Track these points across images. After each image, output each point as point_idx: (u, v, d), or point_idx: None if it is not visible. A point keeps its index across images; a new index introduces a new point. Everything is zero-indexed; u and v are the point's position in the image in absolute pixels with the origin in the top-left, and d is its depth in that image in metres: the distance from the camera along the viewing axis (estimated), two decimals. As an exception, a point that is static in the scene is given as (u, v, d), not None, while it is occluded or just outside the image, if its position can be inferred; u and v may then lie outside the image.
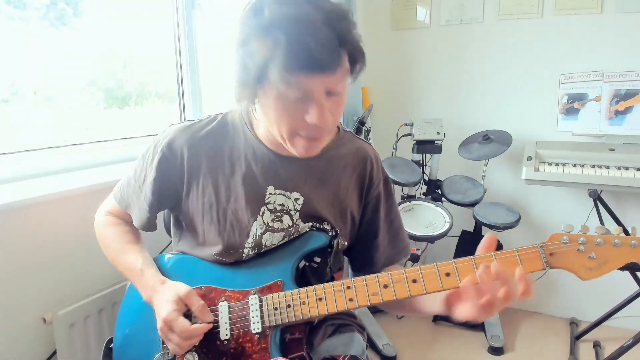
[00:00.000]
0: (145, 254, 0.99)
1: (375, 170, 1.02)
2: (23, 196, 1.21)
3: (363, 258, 1.05)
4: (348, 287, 0.83)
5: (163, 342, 0.89)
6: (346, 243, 1.01)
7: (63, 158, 1.46)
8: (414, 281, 0.80)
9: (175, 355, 0.88)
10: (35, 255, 1.28)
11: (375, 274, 0.83)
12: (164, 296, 0.88)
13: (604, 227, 0.74)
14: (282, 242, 0.94)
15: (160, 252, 1.37)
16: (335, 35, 0.73)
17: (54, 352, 1.31)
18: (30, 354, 1.29)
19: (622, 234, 0.74)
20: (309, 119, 0.78)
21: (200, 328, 0.85)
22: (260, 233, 0.93)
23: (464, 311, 0.77)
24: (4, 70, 1.38)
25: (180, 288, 0.88)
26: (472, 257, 0.78)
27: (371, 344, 2.19)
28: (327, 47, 0.73)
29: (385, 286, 0.81)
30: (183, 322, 0.84)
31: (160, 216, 1.04)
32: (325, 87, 0.77)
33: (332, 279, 1.01)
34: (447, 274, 0.78)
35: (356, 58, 0.79)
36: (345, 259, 1.10)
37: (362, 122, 2.36)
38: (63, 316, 1.29)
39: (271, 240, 0.94)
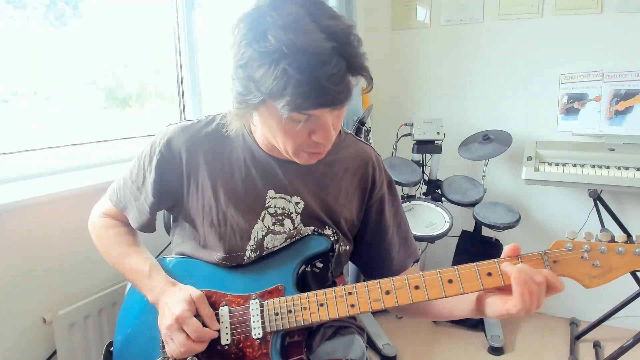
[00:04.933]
0: (150, 256, 0.99)
1: (377, 172, 1.00)
2: (23, 196, 1.21)
3: (374, 264, 1.02)
4: (350, 293, 0.82)
5: (163, 347, 0.88)
6: (348, 248, 0.99)
7: (63, 158, 1.46)
8: (416, 287, 0.79)
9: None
10: (35, 255, 1.28)
11: (377, 280, 0.81)
12: (177, 296, 0.87)
13: (607, 232, 0.73)
14: (284, 244, 0.93)
15: (159, 253, 1.37)
16: (345, 64, 0.71)
17: (54, 352, 1.31)
18: (30, 354, 1.29)
19: (626, 241, 0.72)
20: (315, 139, 0.79)
21: (210, 332, 0.85)
22: (262, 235, 0.92)
23: (509, 302, 0.72)
24: (4, 70, 1.38)
25: (193, 291, 0.88)
26: (475, 264, 0.77)
27: (371, 344, 2.19)
28: (339, 81, 0.70)
29: (387, 292, 0.80)
30: (196, 322, 0.84)
31: (159, 216, 1.03)
32: (334, 114, 0.79)
33: (334, 283, 1.00)
34: (450, 281, 0.77)
35: (365, 80, 0.78)
36: (349, 263, 1.08)
37: (362, 122, 2.36)
38: (63, 316, 1.29)
39: (273, 242, 0.93)
